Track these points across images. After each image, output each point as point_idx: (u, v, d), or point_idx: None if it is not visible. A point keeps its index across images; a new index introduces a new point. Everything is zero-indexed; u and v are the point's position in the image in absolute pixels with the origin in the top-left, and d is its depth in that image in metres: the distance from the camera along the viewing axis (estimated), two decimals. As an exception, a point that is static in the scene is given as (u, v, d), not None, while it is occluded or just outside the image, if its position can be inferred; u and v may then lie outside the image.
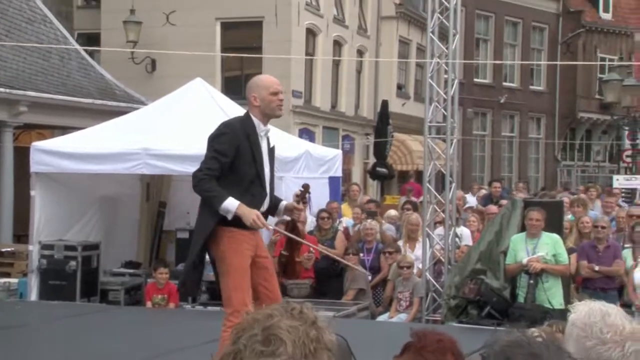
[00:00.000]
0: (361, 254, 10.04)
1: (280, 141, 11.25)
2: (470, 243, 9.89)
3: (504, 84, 30.95)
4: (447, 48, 9.79)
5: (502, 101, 30.50)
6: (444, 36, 10.04)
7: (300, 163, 10.98)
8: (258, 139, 5.19)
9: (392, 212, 11.67)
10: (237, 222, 5.02)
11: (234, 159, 5.07)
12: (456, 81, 9.74)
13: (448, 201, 9.48)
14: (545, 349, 1.50)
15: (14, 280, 10.77)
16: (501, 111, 31.00)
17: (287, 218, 6.01)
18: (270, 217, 5.61)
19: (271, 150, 5.36)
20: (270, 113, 5.25)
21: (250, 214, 4.97)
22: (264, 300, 5.23)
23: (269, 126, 5.33)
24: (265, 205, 5.23)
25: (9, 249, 12.03)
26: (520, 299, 8.34)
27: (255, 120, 5.21)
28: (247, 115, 5.28)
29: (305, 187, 5.76)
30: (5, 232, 13.82)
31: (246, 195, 5.07)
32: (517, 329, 1.58)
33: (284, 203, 5.48)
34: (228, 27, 19.86)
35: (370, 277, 9.84)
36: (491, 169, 30.37)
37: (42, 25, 16.18)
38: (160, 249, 11.91)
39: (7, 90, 13.91)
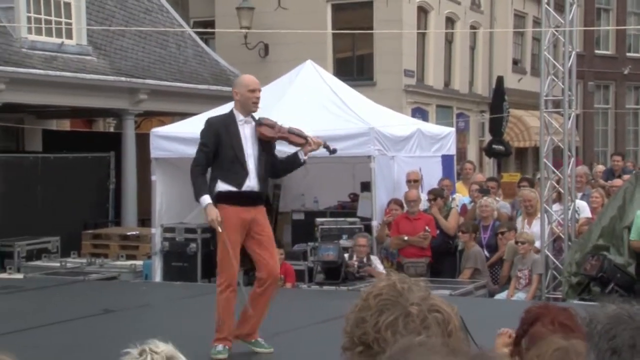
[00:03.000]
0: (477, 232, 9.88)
1: (391, 120, 11.23)
2: (589, 215, 9.57)
3: (628, 54, 29.62)
4: (563, 19, 9.48)
5: (625, 72, 29.22)
6: (561, 7, 9.71)
7: (412, 142, 10.89)
8: (237, 127, 6.05)
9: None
10: (229, 199, 5.95)
11: (217, 146, 5.99)
12: (574, 53, 9.42)
13: (567, 176, 9.20)
14: None
15: (139, 263, 11.20)
16: (625, 83, 29.71)
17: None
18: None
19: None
20: (247, 108, 6.09)
21: (210, 215, 5.88)
22: (260, 268, 6.12)
23: (249, 118, 6.13)
24: (251, 180, 6.02)
25: (134, 233, 12.52)
26: (648, 275, 8.01)
27: (236, 112, 6.10)
28: (230, 110, 6.19)
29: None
30: (130, 217, 14.37)
31: (229, 173, 5.98)
32: (614, 303, 1.50)
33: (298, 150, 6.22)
34: (339, 8, 19.86)
35: (487, 256, 9.69)
36: (615, 142, 29.21)
37: (159, 14, 16.68)
38: (277, 231, 12.09)
39: (128, 79, 14.44)
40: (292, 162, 6.32)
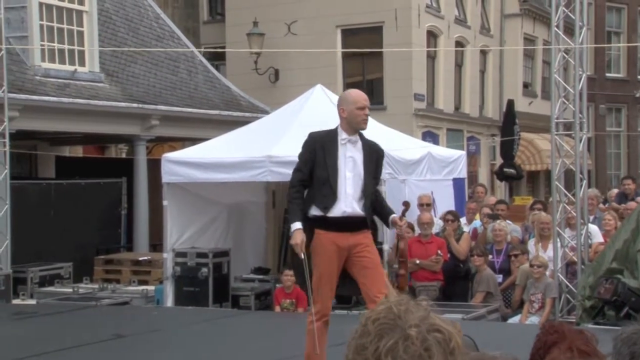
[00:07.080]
0: (490, 256, 9.84)
1: (402, 144, 11.23)
2: (601, 240, 9.51)
3: (639, 77, 29.62)
4: (573, 41, 9.49)
5: (637, 95, 29.20)
6: (571, 31, 9.74)
7: (423, 165, 10.88)
8: (336, 147, 5.65)
9: None
10: (323, 224, 5.57)
11: (313, 164, 5.65)
12: (584, 75, 9.41)
13: (579, 199, 9.16)
14: None
15: (151, 288, 11.18)
16: (637, 105, 29.67)
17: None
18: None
19: (367, 155, 5.71)
20: (355, 126, 5.71)
21: (294, 238, 5.49)
22: (364, 295, 5.68)
23: (356, 136, 5.74)
24: (346, 204, 5.61)
25: (146, 258, 12.53)
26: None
27: (340, 130, 5.71)
28: (335, 127, 5.77)
29: (406, 205, 6.42)
30: (142, 242, 14.40)
31: (318, 195, 5.62)
32: None
33: (393, 216, 5.82)
34: (348, 33, 19.98)
35: (500, 280, 9.63)
36: (628, 166, 29.11)
37: (170, 41, 16.81)
38: (288, 254, 12.08)
39: (140, 105, 14.53)
40: (380, 212, 5.85)
